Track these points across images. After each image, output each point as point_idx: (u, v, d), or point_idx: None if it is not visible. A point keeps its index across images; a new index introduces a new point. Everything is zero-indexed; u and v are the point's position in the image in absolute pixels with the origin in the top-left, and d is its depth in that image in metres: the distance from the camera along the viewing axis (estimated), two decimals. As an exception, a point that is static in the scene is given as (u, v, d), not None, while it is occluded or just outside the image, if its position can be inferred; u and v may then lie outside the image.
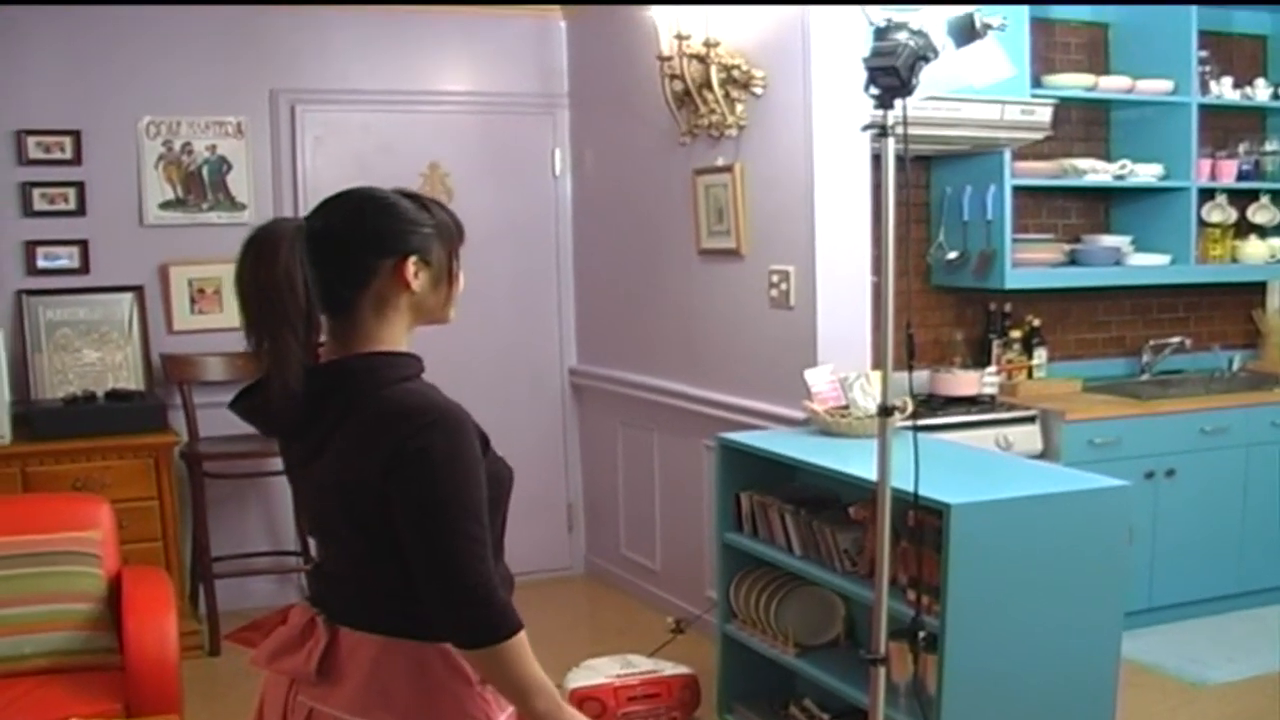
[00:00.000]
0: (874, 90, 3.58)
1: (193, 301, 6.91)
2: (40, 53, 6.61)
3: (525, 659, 2.41)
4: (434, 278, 2.57)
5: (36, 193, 6.62)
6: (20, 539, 4.77)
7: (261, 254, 2.42)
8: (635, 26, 6.59)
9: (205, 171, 6.93)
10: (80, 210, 6.71)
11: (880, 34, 3.61)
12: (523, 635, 2.41)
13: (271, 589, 7.08)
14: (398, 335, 2.56)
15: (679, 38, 5.99)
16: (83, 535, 4.88)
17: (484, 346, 7.29)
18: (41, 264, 6.66)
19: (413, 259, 2.52)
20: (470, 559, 2.36)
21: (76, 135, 6.68)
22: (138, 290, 6.80)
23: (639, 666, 5.43)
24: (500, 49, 7.51)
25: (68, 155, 6.66)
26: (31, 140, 6.59)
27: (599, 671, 5.36)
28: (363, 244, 2.51)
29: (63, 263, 6.70)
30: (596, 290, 7.58)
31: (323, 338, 2.55)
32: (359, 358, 2.52)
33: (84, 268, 6.74)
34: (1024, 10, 6.09)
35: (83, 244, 6.73)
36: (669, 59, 6.10)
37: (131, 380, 6.71)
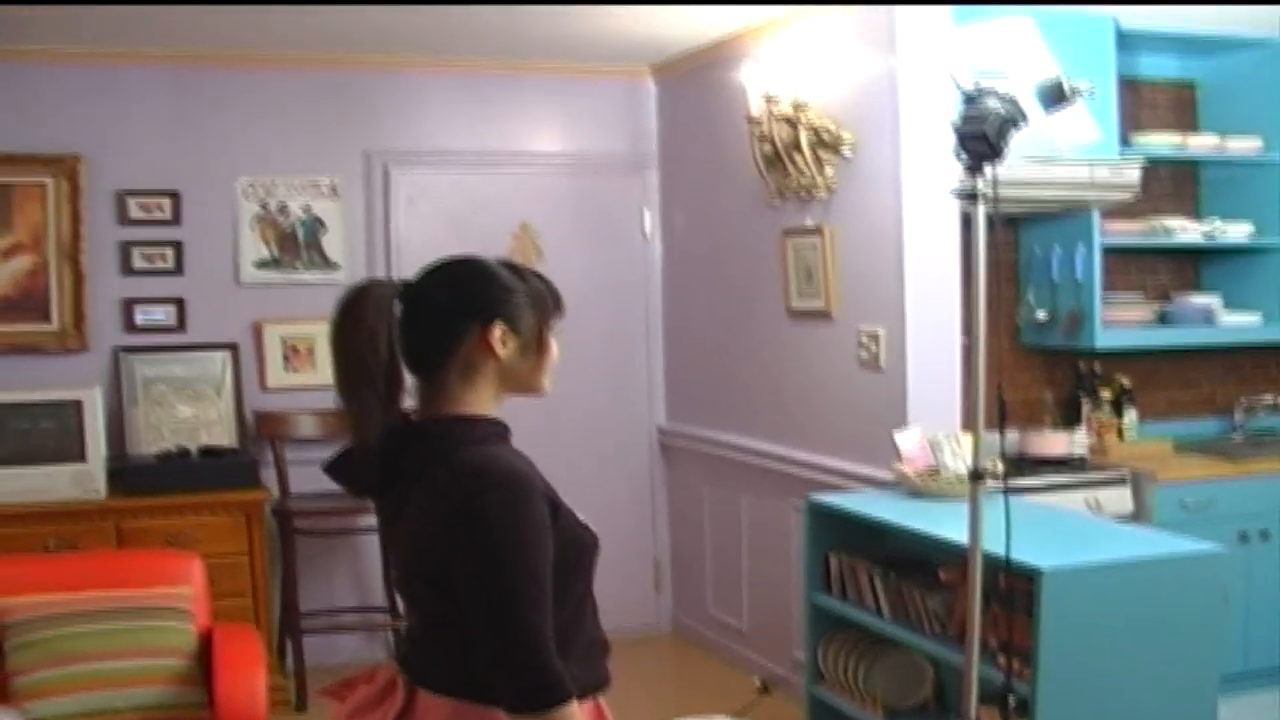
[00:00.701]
0: (964, 157, 3.59)
1: (286, 359, 7.00)
2: (142, 115, 6.78)
3: None
4: (523, 346, 2.59)
5: (136, 252, 6.76)
6: (114, 594, 4.86)
7: (349, 313, 2.50)
8: (724, 88, 6.64)
9: (300, 231, 7.04)
10: (178, 269, 6.84)
11: (970, 100, 3.62)
12: (574, 706, 2.39)
13: (359, 645, 7.16)
14: (484, 401, 2.58)
15: (768, 100, 6.03)
16: (175, 591, 4.95)
17: (574, 405, 7.29)
18: (139, 321, 6.78)
19: (500, 326, 2.55)
20: (524, 623, 2.36)
21: (176, 196, 6.82)
22: (232, 348, 6.91)
23: (726, 727, 5.42)
24: (590, 110, 7.58)
25: (167, 215, 6.81)
26: (133, 201, 6.74)
27: (687, 731, 5.36)
28: (451, 309, 2.56)
29: (159, 320, 6.81)
30: (686, 350, 7.60)
31: (411, 401, 2.59)
32: (437, 420, 2.56)
33: (180, 325, 6.86)
34: (1111, 71, 6.07)
35: (179, 302, 6.85)
36: (758, 121, 6.14)
37: (224, 436, 6.79)
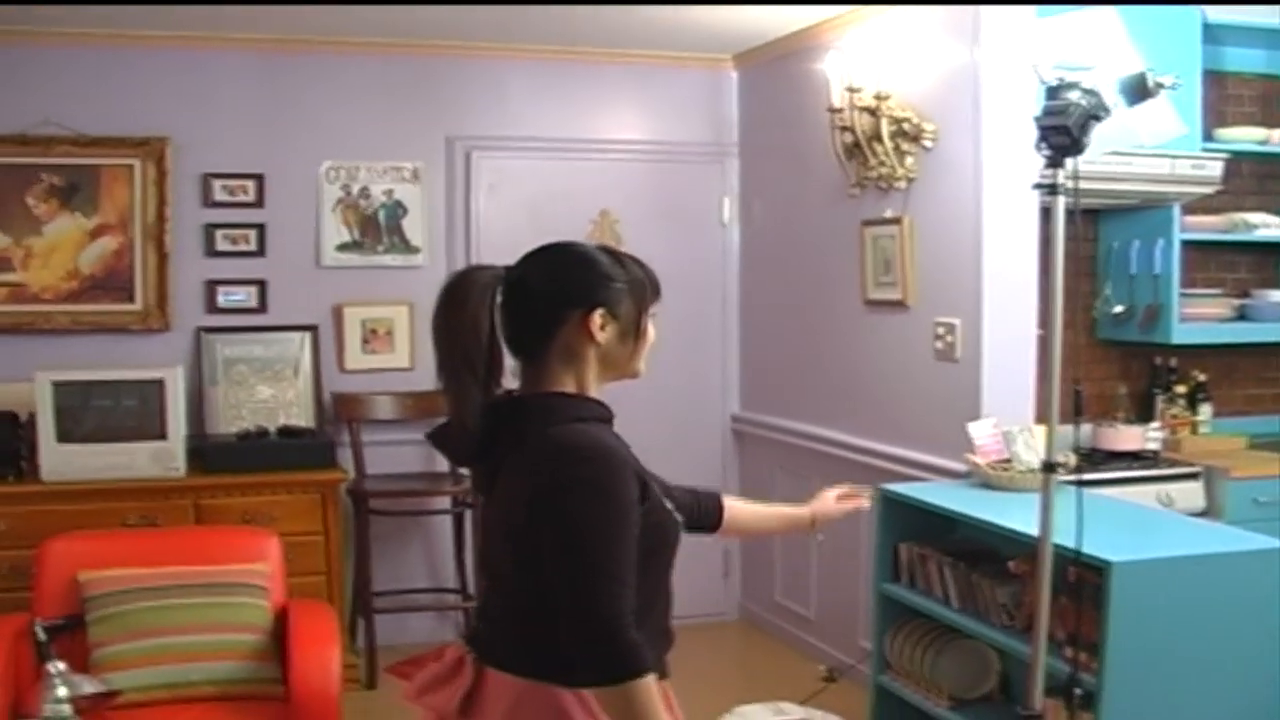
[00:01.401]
0: (1045, 149, 3.58)
1: (365, 341, 7.06)
2: (228, 100, 6.86)
3: (649, 703, 2.40)
4: (621, 331, 2.63)
5: (220, 234, 6.84)
6: (192, 569, 4.91)
7: (452, 300, 2.55)
8: (806, 78, 6.65)
9: (381, 215, 7.09)
10: (260, 251, 6.91)
11: (1052, 93, 3.62)
12: (650, 679, 2.41)
13: (429, 625, 7.22)
14: (585, 382, 2.62)
15: (850, 90, 6.03)
16: (252, 568, 5.00)
17: (648, 391, 7.19)
18: (221, 302, 6.86)
19: (599, 312, 2.58)
20: (604, 594, 2.39)
21: (260, 179, 6.89)
22: (312, 329, 6.98)
23: (791, 714, 5.40)
24: (671, 98, 7.59)
25: (250, 198, 6.88)
26: (217, 183, 6.82)
27: (750, 718, 5.35)
28: (552, 295, 2.60)
29: (241, 301, 6.89)
30: (761, 337, 7.61)
31: (515, 382, 2.64)
32: (537, 395, 2.60)
33: (261, 306, 6.94)
34: (1196, 64, 6.03)
35: (261, 284, 6.93)
36: (839, 111, 6.14)
37: (302, 417, 6.86)
